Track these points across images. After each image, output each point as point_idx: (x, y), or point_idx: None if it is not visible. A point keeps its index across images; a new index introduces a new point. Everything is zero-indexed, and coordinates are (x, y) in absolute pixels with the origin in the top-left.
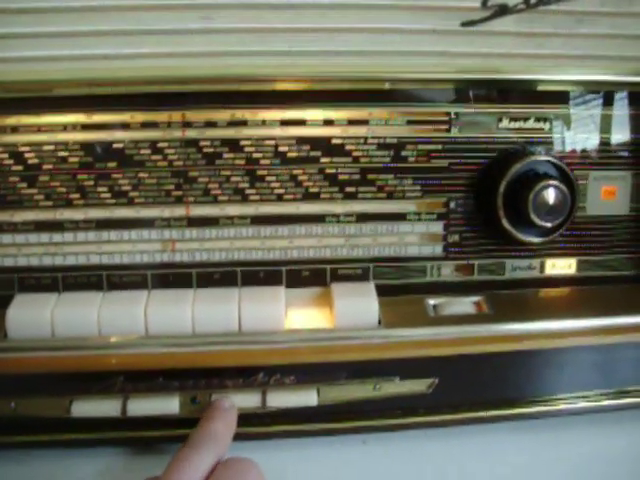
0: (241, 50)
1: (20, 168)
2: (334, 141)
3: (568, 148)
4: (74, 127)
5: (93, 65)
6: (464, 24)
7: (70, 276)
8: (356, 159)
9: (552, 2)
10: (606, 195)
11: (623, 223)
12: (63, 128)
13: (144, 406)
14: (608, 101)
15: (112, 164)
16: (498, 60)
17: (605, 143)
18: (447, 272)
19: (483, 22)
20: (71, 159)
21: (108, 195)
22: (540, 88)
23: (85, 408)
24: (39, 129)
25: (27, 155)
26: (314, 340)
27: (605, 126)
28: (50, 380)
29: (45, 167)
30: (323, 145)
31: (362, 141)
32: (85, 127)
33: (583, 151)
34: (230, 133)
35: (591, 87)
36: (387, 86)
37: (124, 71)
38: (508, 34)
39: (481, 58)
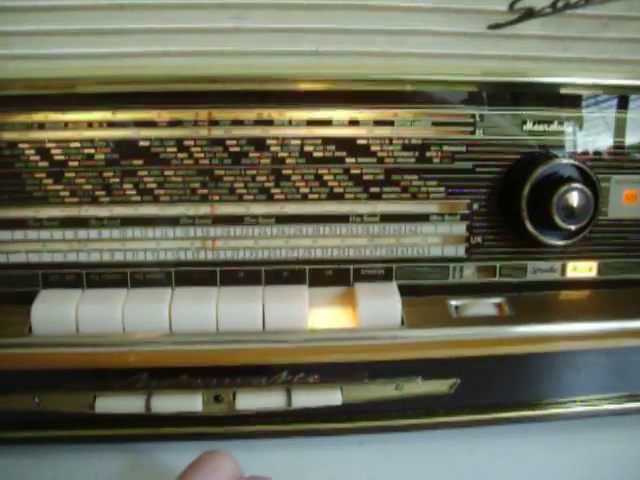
0: (269, 50)
1: (46, 164)
2: (359, 141)
3: (591, 151)
4: (100, 124)
5: (120, 63)
6: (491, 27)
7: (94, 273)
8: (381, 159)
9: (579, 6)
10: (628, 199)
11: None
12: (89, 125)
13: (168, 403)
14: (631, 105)
15: (138, 161)
16: (524, 63)
17: (628, 147)
18: (469, 273)
19: (510, 25)
20: (97, 156)
21: (133, 192)
22: (565, 91)
23: (109, 404)
24: (65, 126)
25: (53, 151)
26: (337, 339)
27: (628, 130)
28: (74, 376)
29: (71, 164)
30: (348, 145)
31: (387, 142)
32: (111, 124)
33: (605, 154)
34: (256, 132)
35: (616, 91)
36: (412, 88)
37: (151, 69)
38: (534, 37)
39: (507, 61)
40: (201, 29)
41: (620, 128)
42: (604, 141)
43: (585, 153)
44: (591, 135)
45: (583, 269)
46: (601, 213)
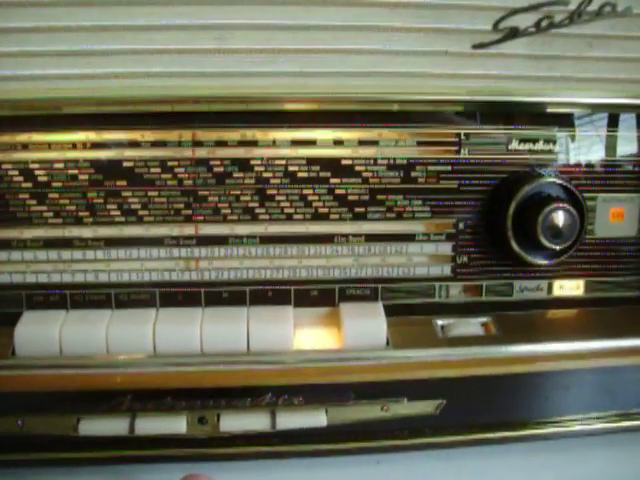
0: (253, 71)
1: (30, 185)
2: (344, 162)
3: (577, 170)
4: (84, 145)
5: (104, 84)
6: (475, 46)
7: (78, 294)
8: (366, 180)
9: (563, 25)
10: (614, 217)
11: (632, 245)
12: (73, 146)
13: (152, 425)
14: (617, 123)
15: (122, 182)
16: (508, 82)
17: (614, 165)
18: (455, 293)
19: (494, 45)
20: (81, 177)
21: (117, 213)
22: (550, 110)
23: (93, 427)
24: (49, 146)
25: (37, 172)
26: (322, 361)
27: (613, 148)
28: (57, 398)
29: (55, 184)
30: (333, 165)
31: (372, 162)
32: (95, 145)
33: (591, 173)
34: (240, 153)
35: (601, 110)
36: (397, 107)
37: (135, 90)
38: (519, 57)
39: (492, 80)
40: (183, 50)
41: (607, 146)
42: (591, 159)
43: (571, 172)
44: (577, 154)
45: (570, 287)
46: (588, 232)
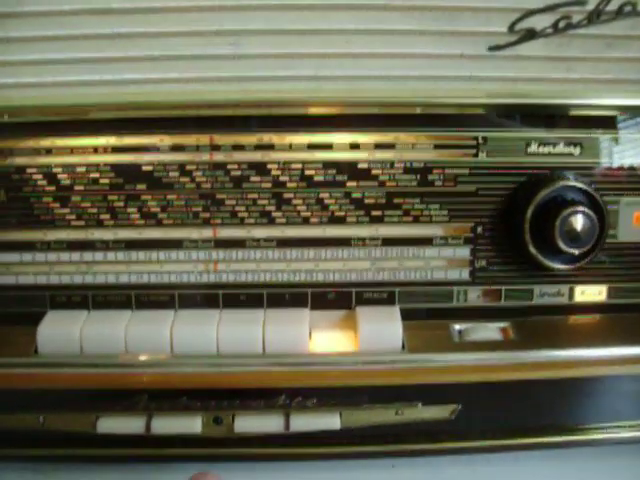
0: (268, 75)
1: (53, 188)
2: (360, 165)
3: (598, 173)
4: (105, 149)
5: (123, 89)
6: (491, 48)
7: (100, 294)
8: (382, 183)
9: (581, 26)
10: (639, 221)
11: None
12: (94, 150)
13: (168, 425)
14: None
15: (141, 186)
16: (526, 84)
17: (637, 168)
18: (474, 297)
19: (510, 46)
20: (102, 180)
21: (137, 216)
22: (570, 113)
23: (110, 425)
24: (71, 151)
25: (60, 176)
26: (337, 364)
27: (637, 151)
28: (77, 396)
29: (77, 188)
30: (349, 169)
31: (388, 165)
32: (115, 149)
33: (614, 176)
34: (257, 157)
35: (623, 111)
36: (413, 111)
37: (153, 95)
38: (536, 58)
39: (509, 82)
40: (199, 55)
41: (629, 148)
42: (612, 162)
43: (592, 175)
44: (599, 156)
45: (592, 293)
46: (610, 236)
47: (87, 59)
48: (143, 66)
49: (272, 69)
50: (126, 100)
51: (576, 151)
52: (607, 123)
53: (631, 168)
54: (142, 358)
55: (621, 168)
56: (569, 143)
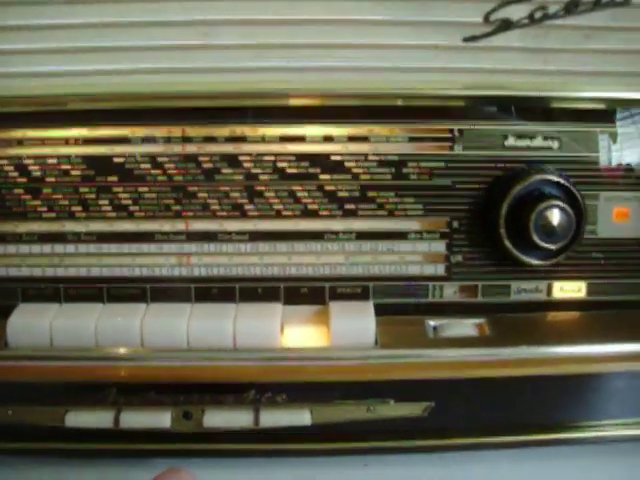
0: (239, 66)
1: (24, 180)
2: (334, 158)
3: (577, 167)
4: (76, 141)
5: (94, 80)
6: (466, 39)
7: (71, 287)
8: (356, 176)
9: (558, 16)
10: (618, 217)
11: (637, 246)
12: (65, 142)
13: (136, 419)
14: (619, 118)
15: (113, 178)
16: (503, 76)
17: (617, 162)
18: (450, 293)
19: (485, 37)
20: (73, 172)
21: (109, 208)
22: (548, 105)
23: (79, 418)
24: (43, 142)
25: (31, 168)
26: (308, 359)
27: (617, 144)
28: (47, 389)
29: (48, 180)
30: (322, 162)
31: (362, 158)
32: (87, 141)
33: (594, 170)
34: (229, 149)
35: (602, 104)
36: (388, 102)
37: (124, 86)
38: (512, 50)
39: (485, 74)
40: (170, 46)
41: (608, 142)
42: (592, 156)
43: (571, 169)
44: (578, 150)
45: (571, 290)
46: (589, 232)
47: (56, 49)
48: (113, 57)
49: (243, 60)
50: (97, 91)
51: (555, 145)
52: (587, 116)
53: (611, 163)
54: (112, 351)
55: (602, 162)
56: (547, 136)
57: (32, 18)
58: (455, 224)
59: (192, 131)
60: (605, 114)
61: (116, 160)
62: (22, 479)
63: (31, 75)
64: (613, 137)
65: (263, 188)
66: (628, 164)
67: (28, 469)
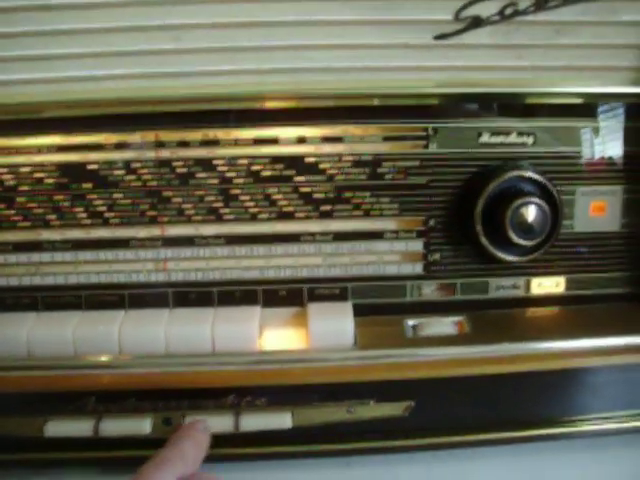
0: (211, 70)
1: None
2: (308, 159)
3: (553, 163)
4: (49, 149)
5: (66, 88)
6: (437, 37)
7: (49, 296)
8: (331, 177)
9: (528, 12)
10: (595, 211)
11: (614, 240)
12: (38, 150)
13: (116, 426)
14: (594, 113)
15: (87, 185)
16: (476, 73)
17: (593, 157)
18: (428, 291)
19: (456, 35)
20: (47, 180)
21: (84, 216)
22: (522, 101)
23: (58, 428)
24: (16, 151)
25: (4, 177)
26: (287, 362)
27: (592, 139)
28: (25, 399)
29: (22, 188)
30: (297, 163)
31: (337, 159)
32: (60, 149)
33: (569, 165)
34: (202, 153)
35: (575, 99)
36: (361, 102)
37: (96, 93)
38: (484, 46)
39: (457, 72)
40: (141, 51)
41: (583, 137)
42: (567, 151)
43: (546, 164)
44: (553, 145)
45: (549, 285)
46: (566, 226)
47: (28, 57)
48: (85, 63)
49: (216, 63)
50: (70, 98)
51: (529, 140)
52: (561, 111)
53: (587, 157)
54: (91, 359)
55: (577, 157)
56: (522, 132)
57: (3, 26)
58: (432, 222)
59: (165, 136)
60: (579, 108)
61: (90, 167)
62: None
63: (2, 83)
64: (587, 132)
65: (238, 191)
66: (604, 157)
67: None
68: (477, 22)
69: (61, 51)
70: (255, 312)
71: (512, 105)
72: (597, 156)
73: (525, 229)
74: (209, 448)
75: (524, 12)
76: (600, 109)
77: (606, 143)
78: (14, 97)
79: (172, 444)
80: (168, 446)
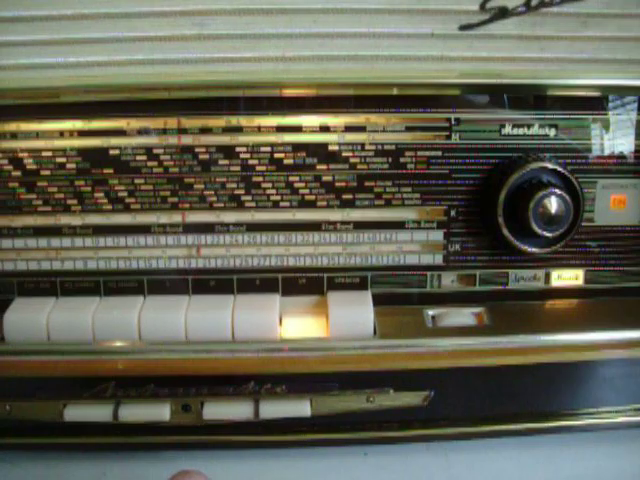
0: (234, 56)
1: (19, 174)
2: (330, 147)
3: (574, 155)
4: (71, 133)
5: (88, 72)
6: (462, 27)
7: (68, 281)
8: (353, 166)
9: (554, 4)
10: (615, 204)
11: (634, 233)
12: (60, 134)
13: (135, 412)
14: (616, 106)
15: (108, 170)
16: (500, 64)
17: (614, 150)
18: (448, 282)
19: (482, 25)
20: (68, 165)
21: (105, 201)
22: (545, 93)
23: (77, 412)
24: (37, 135)
25: (26, 161)
26: (307, 350)
27: (613, 132)
28: (45, 384)
29: (43, 173)
30: (319, 152)
31: (359, 147)
32: (82, 133)
33: (591, 158)
34: (225, 140)
35: (599, 92)
36: (384, 92)
37: (119, 78)
38: (509, 37)
39: (482, 62)
40: (164, 37)
41: (607, 130)
42: (589, 144)
43: (568, 157)
44: (575, 138)
45: (569, 278)
46: (586, 219)
47: (50, 41)
48: (107, 48)
49: (238, 50)
50: (91, 83)
51: (551, 132)
52: (584, 104)
53: (608, 150)
54: (110, 345)
55: (598, 150)
56: (544, 124)
57: (25, 10)
58: (453, 213)
59: (188, 122)
60: (602, 101)
61: (112, 152)
62: (22, 474)
63: (25, 67)
64: (609, 125)
65: (260, 179)
66: (624, 151)
67: (27, 464)
68: (503, 13)
69: (83, 35)
70: (275, 300)
71: (535, 97)
72: (618, 149)
73: (547, 220)
74: None
75: (550, 3)
76: (621, 102)
77: (627, 136)
78: (34, 81)
79: None
80: None
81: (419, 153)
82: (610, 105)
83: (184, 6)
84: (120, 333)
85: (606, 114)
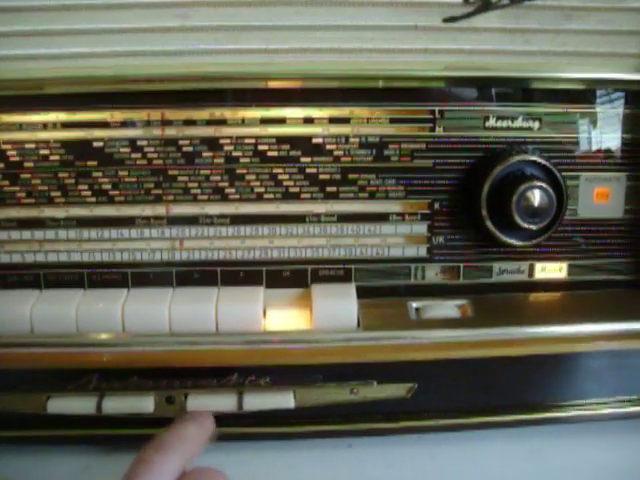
0: (217, 48)
1: (1, 166)
2: (314, 140)
3: (558, 148)
4: (54, 125)
5: (70, 64)
6: (446, 20)
7: (52, 273)
8: (337, 158)
9: None
10: (599, 197)
11: (617, 226)
12: (43, 126)
13: (119, 405)
14: (600, 99)
15: (92, 162)
16: (483, 57)
17: (598, 143)
18: (431, 274)
19: (465, 18)
20: (52, 157)
21: (88, 193)
22: (529, 86)
23: (61, 405)
24: (20, 127)
25: (9, 153)
26: (291, 342)
27: (597, 125)
28: (28, 376)
29: (26, 165)
30: (303, 144)
31: (343, 140)
32: (65, 125)
33: (574, 151)
34: (209, 132)
35: (582, 85)
36: (368, 84)
37: (102, 69)
38: (492, 30)
39: (465, 55)
40: (147, 28)
41: (589, 123)
42: (572, 137)
43: (552, 150)
44: (559, 131)
45: (552, 270)
46: (570, 212)
47: (32, 32)
48: (90, 39)
49: (221, 42)
50: (74, 74)
51: (535, 125)
52: (567, 97)
53: (592, 143)
54: (93, 337)
55: (582, 143)
56: (528, 117)
57: (6, 0)
58: (437, 206)
59: (171, 114)
60: (586, 95)
61: (95, 144)
62: (4, 467)
63: (5, 58)
64: (594, 118)
65: (244, 171)
66: (608, 144)
67: (10, 457)
68: (486, 5)
69: (65, 27)
70: (259, 292)
71: (519, 90)
72: (602, 143)
73: (531, 213)
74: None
75: None
76: (605, 95)
77: (611, 130)
78: (17, 72)
79: (175, 427)
80: (171, 429)
81: (403, 145)
82: (594, 98)
83: None
84: (104, 325)
85: (590, 107)
